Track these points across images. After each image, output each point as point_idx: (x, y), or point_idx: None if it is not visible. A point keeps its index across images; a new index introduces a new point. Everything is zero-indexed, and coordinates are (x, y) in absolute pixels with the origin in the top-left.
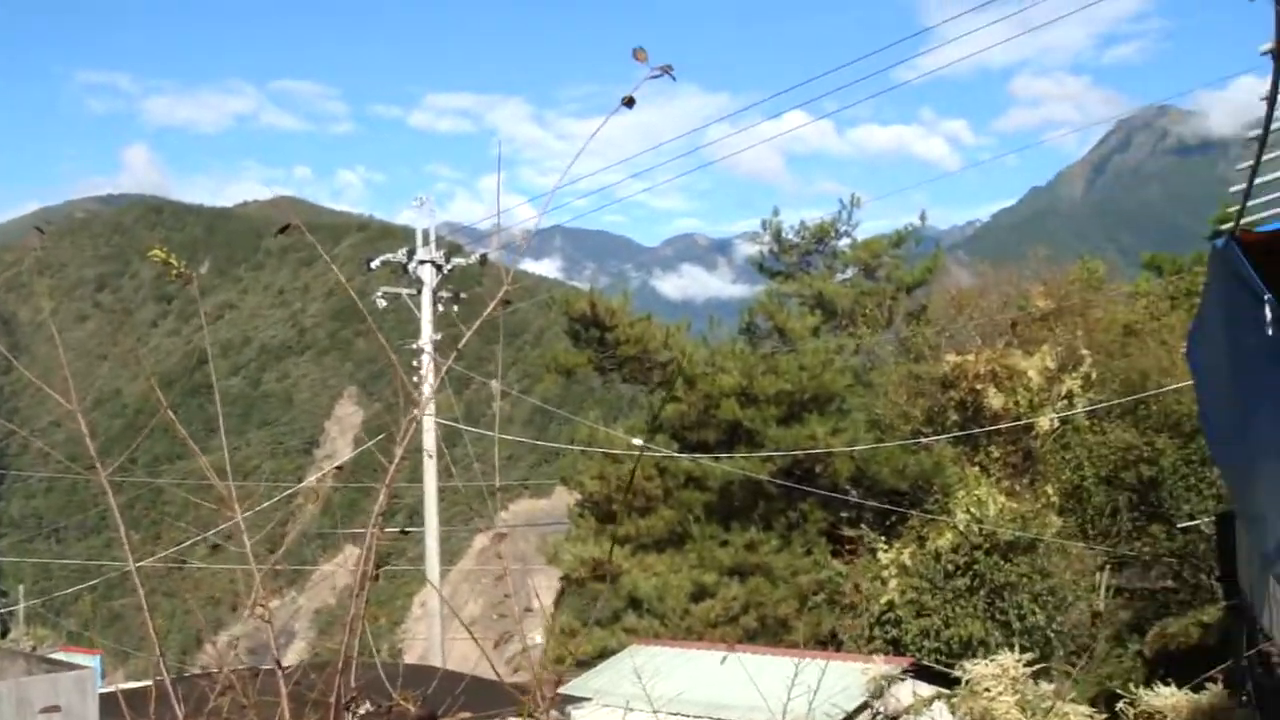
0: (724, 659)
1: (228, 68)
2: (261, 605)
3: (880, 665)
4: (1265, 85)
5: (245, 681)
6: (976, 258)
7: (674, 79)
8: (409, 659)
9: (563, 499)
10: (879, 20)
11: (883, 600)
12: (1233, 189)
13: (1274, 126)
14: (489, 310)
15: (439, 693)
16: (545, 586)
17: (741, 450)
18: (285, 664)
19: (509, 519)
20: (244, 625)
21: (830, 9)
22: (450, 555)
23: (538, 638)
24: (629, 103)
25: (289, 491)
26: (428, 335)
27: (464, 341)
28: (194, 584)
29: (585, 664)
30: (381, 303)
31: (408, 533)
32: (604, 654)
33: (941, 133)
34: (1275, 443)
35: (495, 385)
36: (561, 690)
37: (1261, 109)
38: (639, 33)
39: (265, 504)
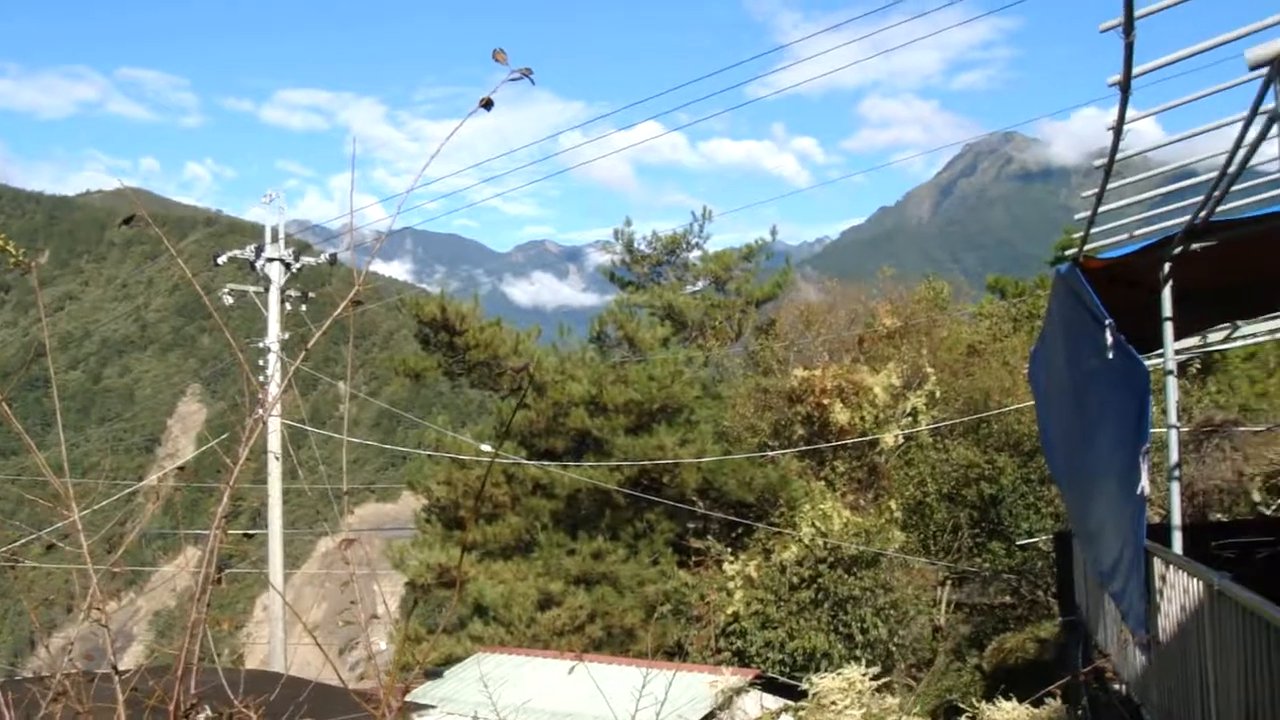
0: (571, 668)
1: (73, 53)
2: (98, 608)
3: (727, 676)
4: (1110, 116)
5: (80, 686)
6: (825, 274)
7: (533, 82)
8: (250, 664)
9: (410, 504)
10: (735, 36)
11: (728, 611)
12: (1077, 216)
13: (1118, 156)
14: (339, 311)
15: (282, 699)
16: (390, 592)
17: (590, 459)
18: (122, 668)
19: (355, 523)
20: (79, 628)
21: (688, 23)
22: (294, 559)
23: (383, 644)
24: (487, 104)
25: (129, 490)
26: (275, 334)
27: (312, 342)
28: (27, 585)
29: (431, 672)
30: (228, 300)
31: (251, 536)
32: (450, 661)
33: (793, 150)
34: (1113, 463)
35: (343, 387)
36: (407, 698)
37: (1106, 139)
38: (497, 36)
39: (104, 502)
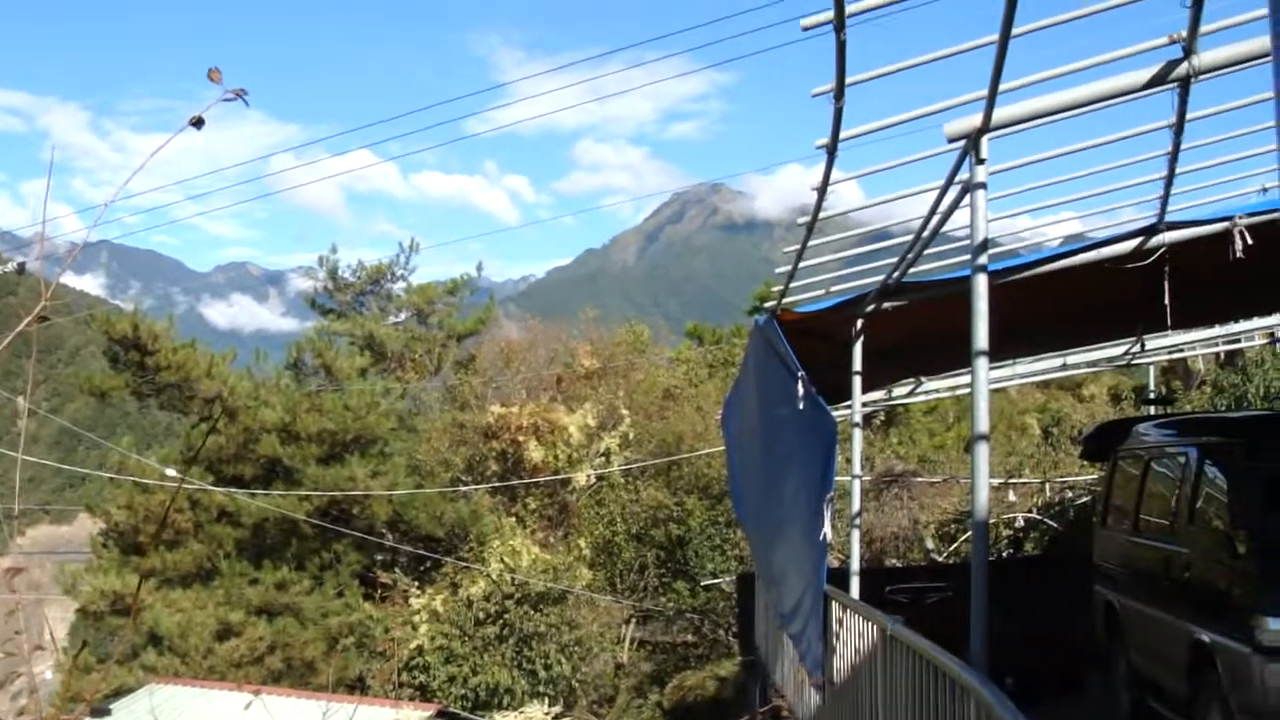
0: (249, 702)
1: None
2: None
3: (409, 711)
4: (814, 175)
5: None
6: (529, 312)
7: (247, 104)
8: None
9: (87, 526)
10: (455, 70)
11: (413, 645)
12: (778, 270)
13: (820, 215)
14: (24, 324)
15: None
16: (61, 619)
17: (279, 487)
18: None
19: (26, 545)
20: None
21: (409, 52)
22: None
23: (49, 675)
24: (197, 123)
25: None
26: None
27: None
28: None
29: (98, 709)
30: None
31: None
32: (121, 693)
33: (504, 187)
34: (798, 509)
35: (22, 402)
36: None
37: (808, 196)
38: (213, 50)
39: None
